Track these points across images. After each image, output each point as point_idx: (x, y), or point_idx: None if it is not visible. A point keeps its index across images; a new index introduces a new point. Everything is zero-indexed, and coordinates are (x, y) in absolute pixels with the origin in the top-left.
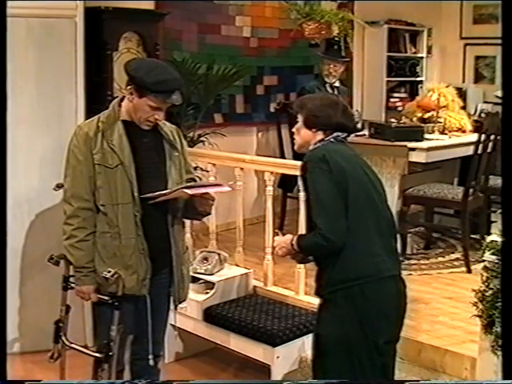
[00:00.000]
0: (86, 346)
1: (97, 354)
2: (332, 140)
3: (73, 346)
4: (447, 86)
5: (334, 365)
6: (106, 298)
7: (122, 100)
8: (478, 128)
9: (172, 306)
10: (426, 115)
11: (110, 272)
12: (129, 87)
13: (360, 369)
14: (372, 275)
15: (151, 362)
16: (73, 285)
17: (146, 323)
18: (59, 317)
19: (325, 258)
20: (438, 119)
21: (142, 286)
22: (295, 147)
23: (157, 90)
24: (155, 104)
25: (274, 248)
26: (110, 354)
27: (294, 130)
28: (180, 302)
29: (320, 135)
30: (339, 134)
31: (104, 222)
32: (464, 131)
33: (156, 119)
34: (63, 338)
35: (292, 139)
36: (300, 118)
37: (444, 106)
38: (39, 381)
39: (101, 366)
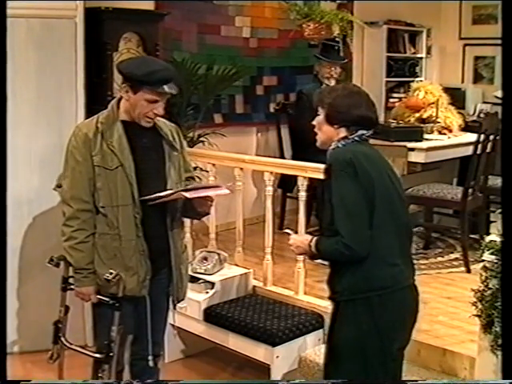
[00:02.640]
0: (85, 346)
1: (97, 355)
2: (356, 139)
3: (72, 346)
4: (431, 83)
5: (347, 370)
6: (107, 299)
7: (120, 100)
8: (471, 127)
9: (171, 306)
10: (425, 115)
11: (111, 274)
12: (123, 85)
13: (374, 375)
14: (391, 286)
15: (151, 363)
16: (72, 286)
17: (146, 324)
18: (58, 317)
19: (343, 263)
20: (437, 119)
21: (143, 286)
22: (317, 143)
23: (149, 81)
24: (151, 96)
25: (289, 245)
26: (111, 354)
27: (314, 123)
28: (179, 301)
29: (343, 132)
30: (364, 132)
31: (104, 223)
32: (451, 130)
33: (155, 114)
34: (62, 339)
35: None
36: (321, 112)
37: (432, 103)
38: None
39: (101, 367)
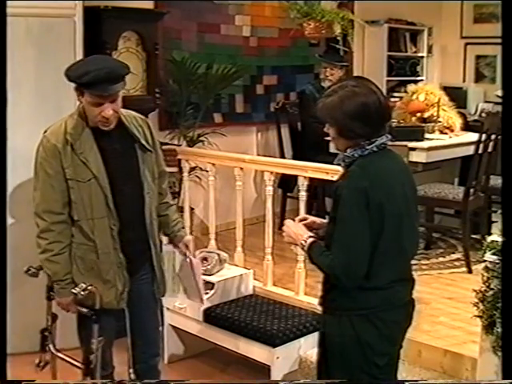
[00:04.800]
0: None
1: (79, 365)
2: (375, 149)
3: (59, 354)
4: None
5: (337, 374)
6: (85, 310)
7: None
8: (472, 127)
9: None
10: (426, 114)
11: (80, 287)
12: (75, 90)
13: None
14: (380, 306)
15: (132, 376)
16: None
17: (135, 329)
18: (46, 326)
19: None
20: (438, 118)
21: (121, 299)
22: (335, 148)
23: (83, 83)
24: (91, 99)
25: (282, 229)
26: (91, 366)
27: (327, 131)
28: (163, 296)
29: (361, 141)
30: (383, 140)
31: (80, 233)
32: (452, 130)
33: (104, 117)
34: (50, 347)
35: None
36: (331, 130)
37: (435, 103)
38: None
39: (84, 378)
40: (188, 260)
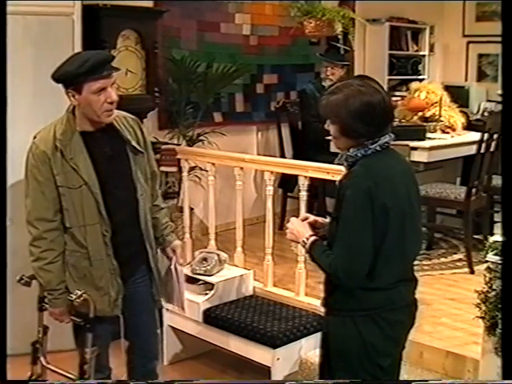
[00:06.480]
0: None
1: (72, 376)
2: (378, 149)
3: (50, 366)
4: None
5: (340, 375)
6: (79, 319)
7: (74, 109)
8: (475, 126)
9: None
10: (428, 114)
11: (76, 294)
12: (67, 91)
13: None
14: (383, 306)
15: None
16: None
17: (130, 337)
18: (36, 338)
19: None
20: (440, 118)
21: (115, 306)
22: (335, 147)
23: (87, 71)
24: (96, 86)
25: (286, 226)
26: (86, 376)
27: (328, 129)
28: (161, 297)
29: (364, 140)
30: (386, 139)
31: (73, 241)
32: (454, 129)
33: (111, 102)
34: (41, 359)
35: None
36: (333, 128)
37: (436, 102)
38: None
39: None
40: (173, 265)
